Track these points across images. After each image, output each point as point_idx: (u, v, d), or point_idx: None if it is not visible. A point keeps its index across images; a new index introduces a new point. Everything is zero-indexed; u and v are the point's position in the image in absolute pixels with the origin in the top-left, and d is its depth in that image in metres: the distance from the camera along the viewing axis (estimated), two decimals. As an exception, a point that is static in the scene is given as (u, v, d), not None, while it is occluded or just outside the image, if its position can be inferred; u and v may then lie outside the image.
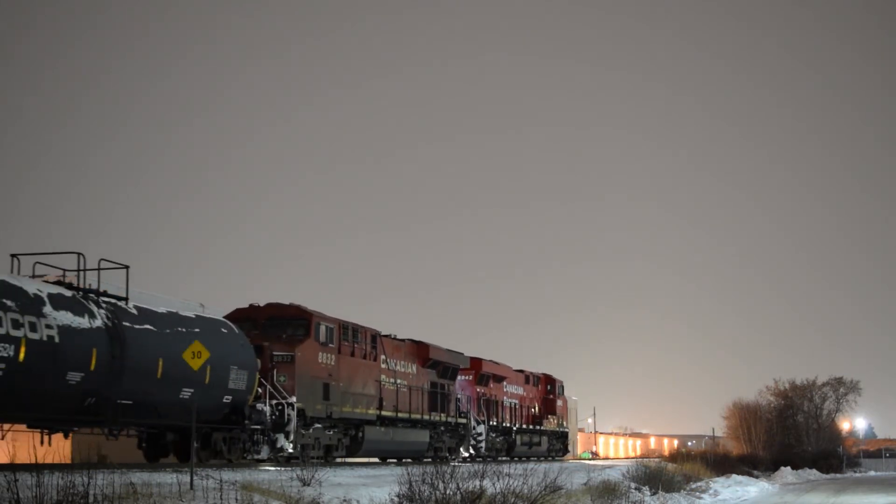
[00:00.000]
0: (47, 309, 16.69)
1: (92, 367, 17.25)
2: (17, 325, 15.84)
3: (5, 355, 15.56)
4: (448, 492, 16.16)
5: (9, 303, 15.89)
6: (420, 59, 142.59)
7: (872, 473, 70.67)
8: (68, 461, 17.51)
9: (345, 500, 16.07)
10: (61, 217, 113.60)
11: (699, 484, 34.56)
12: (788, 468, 57.17)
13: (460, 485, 16.46)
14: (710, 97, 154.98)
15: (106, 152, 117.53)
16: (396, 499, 16.49)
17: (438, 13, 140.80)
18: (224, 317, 24.57)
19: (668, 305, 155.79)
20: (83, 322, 17.35)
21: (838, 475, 63.93)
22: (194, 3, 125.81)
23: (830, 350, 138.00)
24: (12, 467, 13.07)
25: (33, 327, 16.19)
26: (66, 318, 16.97)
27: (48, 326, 16.51)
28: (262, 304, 25.56)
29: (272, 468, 20.27)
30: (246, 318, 24.76)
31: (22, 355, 15.84)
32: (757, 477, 48.79)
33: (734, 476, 42.92)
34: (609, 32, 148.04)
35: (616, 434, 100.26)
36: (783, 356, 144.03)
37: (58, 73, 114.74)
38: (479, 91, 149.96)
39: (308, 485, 17.08)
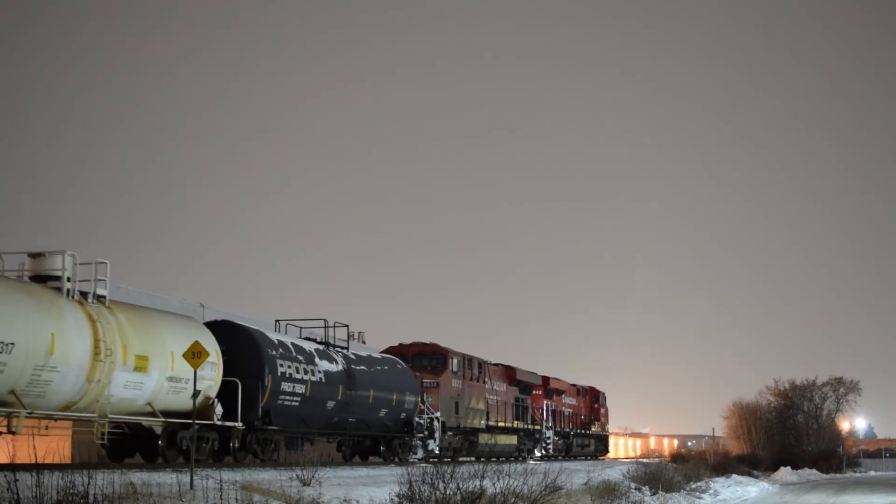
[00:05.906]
0: (317, 360, 25.27)
1: (339, 398, 25.81)
2: (306, 371, 24.42)
3: (300, 392, 24.12)
4: (448, 492, 16.19)
5: (300, 357, 24.45)
6: (420, 59, 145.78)
7: (872, 473, 71.68)
8: (68, 461, 18.22)
9: (345, 501, 16.38)
10: (62, 214, 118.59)
11: (699, 484, 34.75)
12: (788, 468, 58.49)
13: (460, 485, 16.47)
14: (710, 98, 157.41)
15: (99, 154, 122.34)
16: (396, 499, 16.63)
17: (432, 13, 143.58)
18: (381, 352, 33.23)
19: (668, 305, 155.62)
20: (333, 367, 25.92)
21: (838, 475, 64.85)
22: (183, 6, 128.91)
23: (830, 350, 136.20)
24: (12, 467, 13.43)
25: (312, 373, 24.75)
26: (325, 365, 25.54)
27: (318, 371, 25.07)
28: (408, 343, 34.18)
29: (273, 469, 20.50)
30: (398, 353, 33.30)
31: (308, 392, 24.40)
32: (757, 477, 49.70)
33: (734, 476, 43.44)
34: (608, 33, 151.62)
35: (616, 434, 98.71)
36: (783, 356, 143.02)
37: (56, 71, 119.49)
38: (485, 90, 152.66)
39: (308, 485, 17.38)
